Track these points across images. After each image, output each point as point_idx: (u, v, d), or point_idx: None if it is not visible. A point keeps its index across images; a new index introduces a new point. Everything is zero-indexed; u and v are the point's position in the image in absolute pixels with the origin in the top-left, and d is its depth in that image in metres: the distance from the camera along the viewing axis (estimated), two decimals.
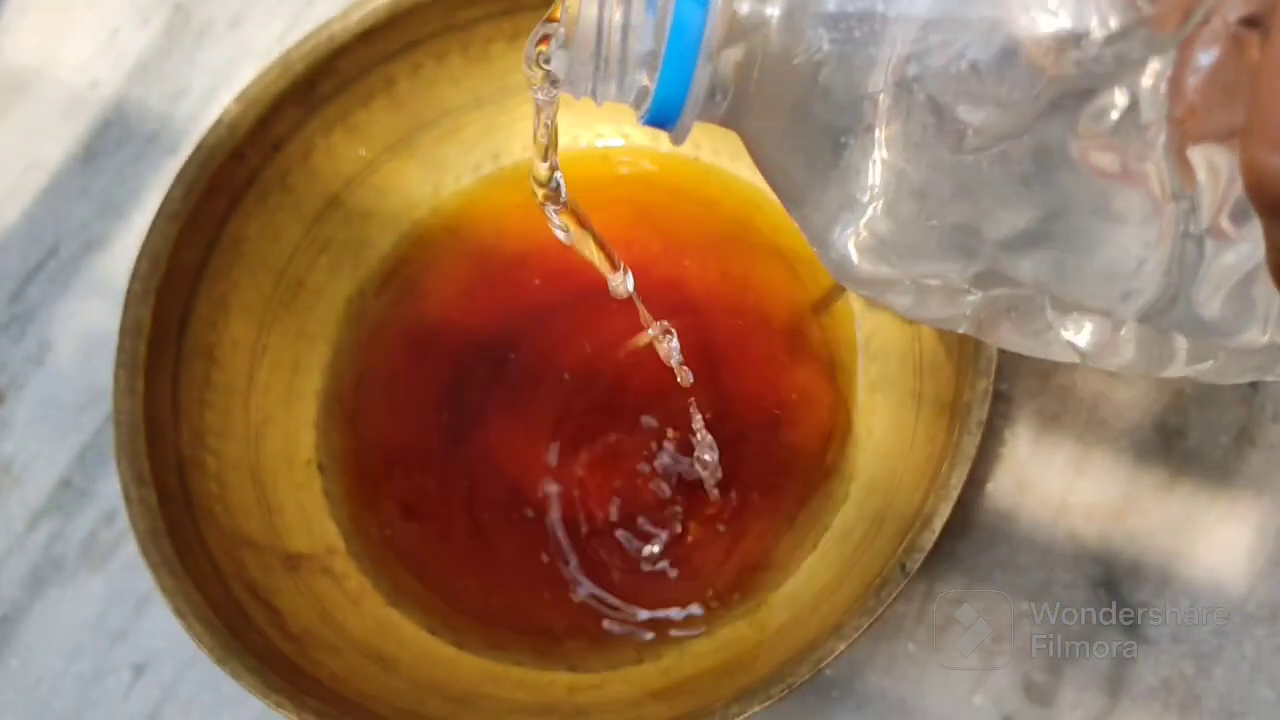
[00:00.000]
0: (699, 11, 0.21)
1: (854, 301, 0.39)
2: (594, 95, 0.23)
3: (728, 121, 0.24)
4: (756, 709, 0.30)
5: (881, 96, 0.21)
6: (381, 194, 0.41)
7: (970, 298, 0.24)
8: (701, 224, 0.42)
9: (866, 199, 0.22)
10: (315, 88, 0.38)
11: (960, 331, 0.25)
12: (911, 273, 0.23)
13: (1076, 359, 0.25)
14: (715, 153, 0.41)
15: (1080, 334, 0.24)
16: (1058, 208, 0.21)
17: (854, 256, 0.23)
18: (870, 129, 0.22)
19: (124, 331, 0.35)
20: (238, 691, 0.32)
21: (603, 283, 0.38)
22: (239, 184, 0.38)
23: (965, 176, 0.21)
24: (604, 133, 0.42)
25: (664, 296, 0.40)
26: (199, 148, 0.37)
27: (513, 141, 0.42)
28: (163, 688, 0.40)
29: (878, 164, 0.22)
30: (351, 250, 0.41)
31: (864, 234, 0.23)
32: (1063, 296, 0.23)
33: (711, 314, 0.40)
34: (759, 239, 0.41)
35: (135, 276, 0.36)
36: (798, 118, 0.22)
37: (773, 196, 0.41)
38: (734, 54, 0.22)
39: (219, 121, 0.37)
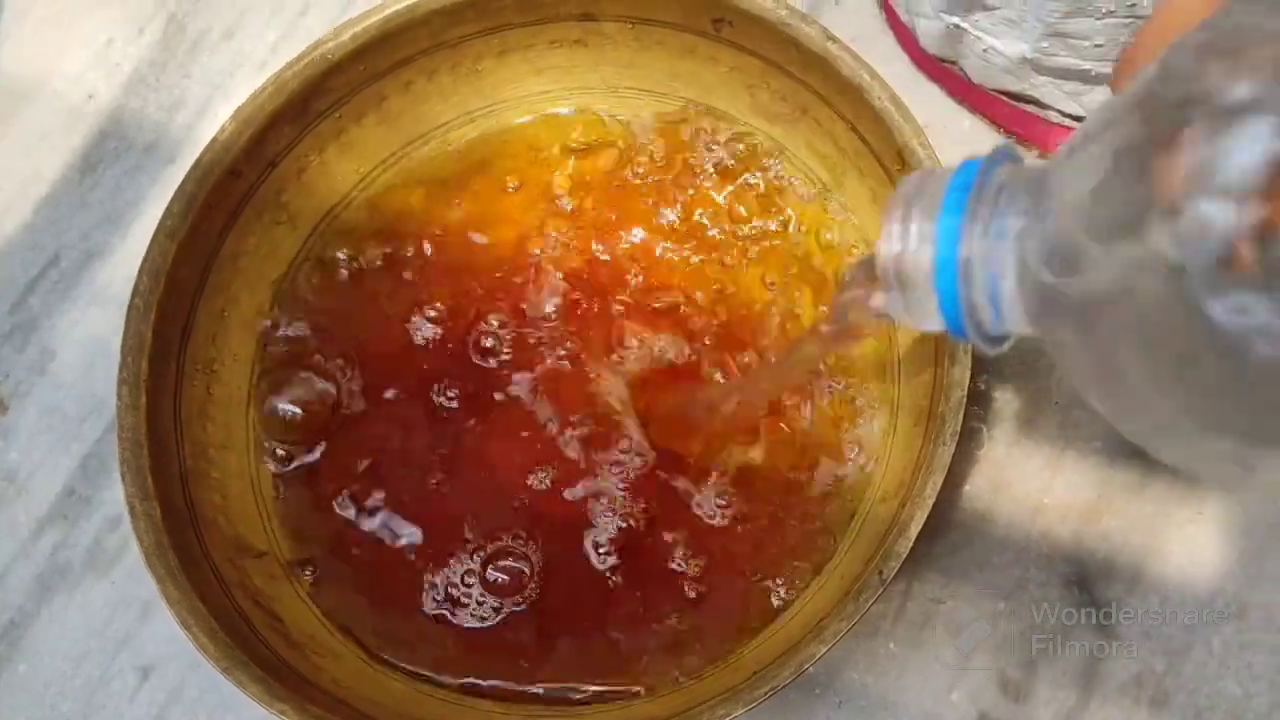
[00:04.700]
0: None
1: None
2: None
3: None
4: (741, 711, 0.31)
5: None
6: (373, 208, 0.42)
7: None
8: None
9: None
10: (309, 106, 0.39)
11: None
12: None
13: None
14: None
15: None
16: None
17: None
18: None
19: (126, 349, 0.36)
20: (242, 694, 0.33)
21: (593, 299, 0.39)
22: (236, 201, 0.39)
23: None
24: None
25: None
26: (196, 165, 0.37)
27: (500, 154, 0.43)
28: (168, 691, 0.41)
29: None
30: (345, 264, 0.42)
31: None
32: None
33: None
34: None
35: (136, 293, 0.36)
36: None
37: None
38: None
39: (215, 140, 0.38)
